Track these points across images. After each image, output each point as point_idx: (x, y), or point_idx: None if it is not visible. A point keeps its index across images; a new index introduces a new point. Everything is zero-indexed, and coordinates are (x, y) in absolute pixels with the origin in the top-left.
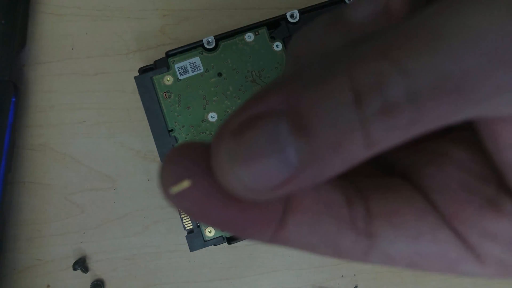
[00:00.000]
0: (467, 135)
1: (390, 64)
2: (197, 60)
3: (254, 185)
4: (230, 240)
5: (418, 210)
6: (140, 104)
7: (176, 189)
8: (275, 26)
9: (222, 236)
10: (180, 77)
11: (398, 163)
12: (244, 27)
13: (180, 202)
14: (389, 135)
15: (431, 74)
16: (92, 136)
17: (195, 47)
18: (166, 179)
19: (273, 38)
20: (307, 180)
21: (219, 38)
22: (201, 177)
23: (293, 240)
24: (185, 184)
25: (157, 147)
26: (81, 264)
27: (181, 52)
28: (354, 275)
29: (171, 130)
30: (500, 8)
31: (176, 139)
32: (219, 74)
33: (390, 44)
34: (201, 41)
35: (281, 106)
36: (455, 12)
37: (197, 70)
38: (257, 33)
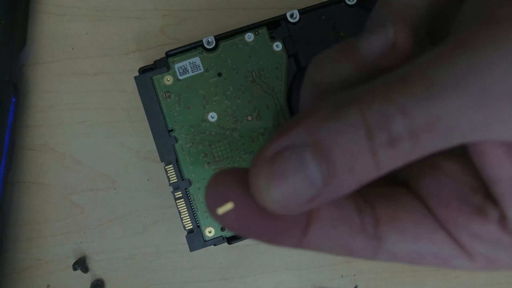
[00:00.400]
0: (459, 151)
1: (394, 106)
2: (197, 60)
3: (286, 202)
4: (230, 240)
5: (417, 216)
6: (140, 104)
7: (221, 210)
8: (275, 26)
9: (222, 236)
10: (180, 77)
11: (400, 175)
12: (244, 27)
13: (225, 221)
14: (394, 161)
15: (425, 114)
16: (92, 136)
17: (195, 47)
18: (212, 202)
19: (273, 38)
20: (328, 197)
21: (219, 38)
22: (241, 199)
23: (314, 245)
24: (229, 206)
25: (157, 147)
26: (81, 264)
27: (181, 52)
28: (354, 275)
29: (171, 130)
30: (482, 67)
31: (176, 139)
32: (219, 74)
33: (393, 89)
34: (201, 41)
35: (305, 138)
36: (444, 64)
37: (197, 70)
38: (257, 33)
